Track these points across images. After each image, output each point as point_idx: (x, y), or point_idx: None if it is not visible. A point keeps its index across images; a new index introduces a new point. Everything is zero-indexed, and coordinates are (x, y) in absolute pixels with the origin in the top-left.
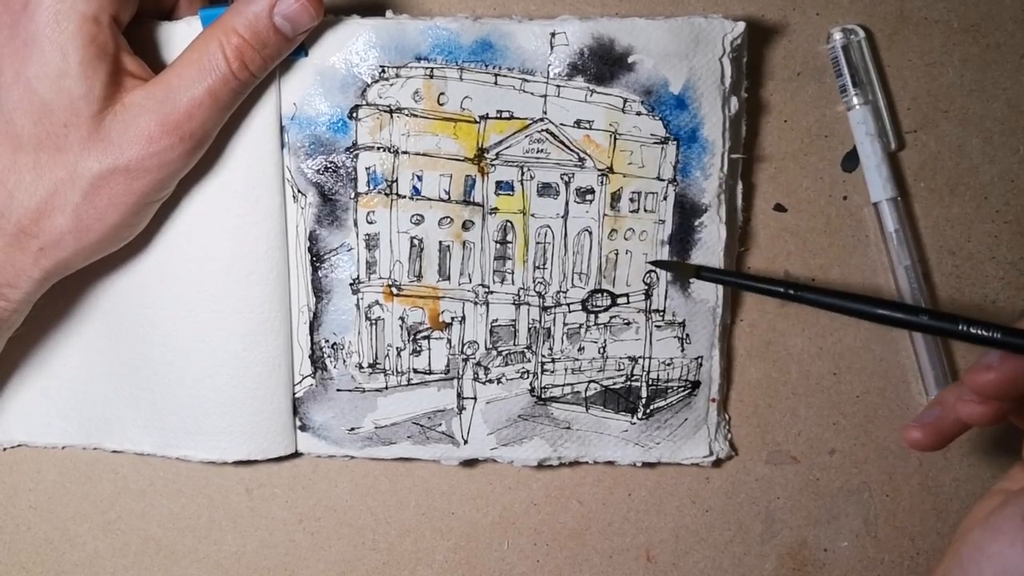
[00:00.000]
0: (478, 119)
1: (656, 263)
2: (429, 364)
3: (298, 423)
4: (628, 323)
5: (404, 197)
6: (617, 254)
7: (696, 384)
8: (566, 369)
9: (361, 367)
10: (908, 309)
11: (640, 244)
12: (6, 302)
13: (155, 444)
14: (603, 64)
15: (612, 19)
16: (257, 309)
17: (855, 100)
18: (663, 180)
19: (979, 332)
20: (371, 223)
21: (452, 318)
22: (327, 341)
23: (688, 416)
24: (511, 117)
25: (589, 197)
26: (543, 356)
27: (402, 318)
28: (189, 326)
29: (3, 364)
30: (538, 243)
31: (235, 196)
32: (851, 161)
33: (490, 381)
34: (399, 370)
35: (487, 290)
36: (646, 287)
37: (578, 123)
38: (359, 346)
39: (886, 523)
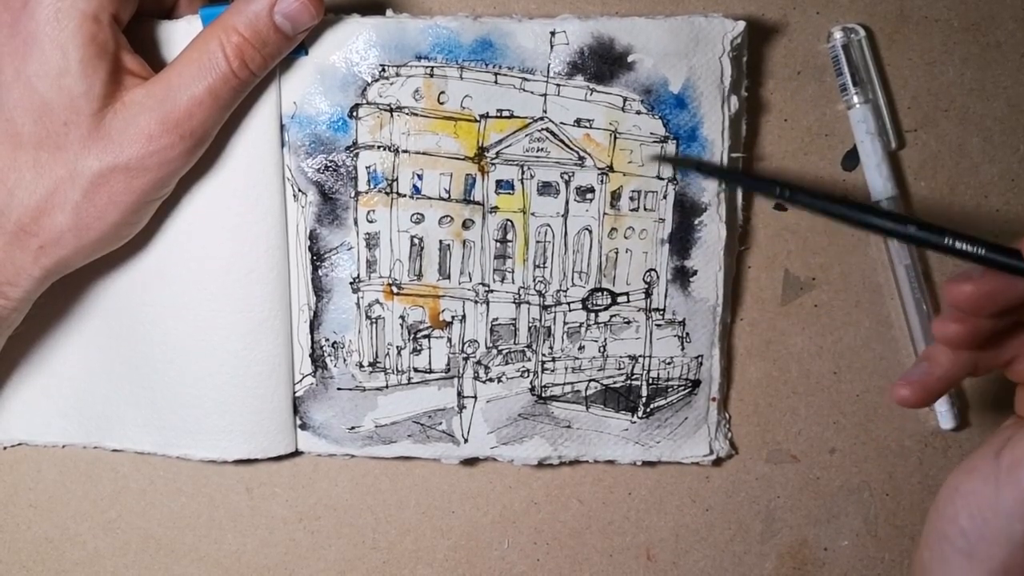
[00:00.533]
0: (478, 118)
1: (658, 158)
2: (429, 363)
3: (298, 422)
4: (628, 322)
5: (404, 196)
6: (617, 253)
7: (696, 383)
8: (566, 368)
9: (361, 366)
10: (897, 218)
11: (640, 243)
12: (6, 300)
13: (155, 443)
14: (603, 63)
15: (612, 18)
16: (257, 308)
17: (855, 99)
18: (663, 179)
19: (964, 247)
20: (371, 222)
21: (452, 317)
22: (327, 340)
23: (688, 415)
24: (511, 116)
25: (589, 196)
26: (543, 355)
27: (402, 317)
28: (189, 325)
29: (3, 363)
30: (538, 242)
31: (235, 195)
32: (851, 160)
33: (490, 380)
34: (399, 369)
35: (487, 289)
36: (646, 286)
37: (578, 122)
38: (359, 345)
39: (886, 522)
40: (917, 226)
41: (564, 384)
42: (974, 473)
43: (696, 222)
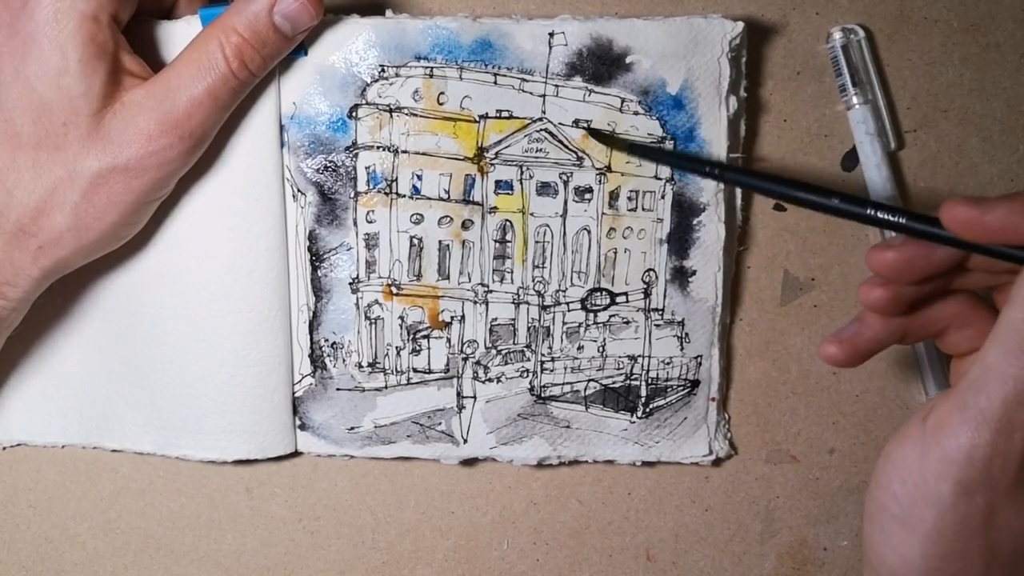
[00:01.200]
0: (478, 118)
1: (592, 132)
2: (429, 363)
3: (298, 422)
4: (627, 322)
5: (404, 196)
6: (616, 253)
7: (696, 383)
8: (565, 368)
9: (361, 366)
10: (821, 192)
11: (639, 243)
12: (5, 300)
13: (155, 443)
14: (601, 64)
15: (610, 19)
16: (257, 308)
17: (855, 99)
18: (660, 179)
19: (885, 216)
20: (371, 222)
21: (452, 317)
22: (327, 340)
23: (688, 415)
24: (510, 116)
25: (588, 196)
26: (542, 355)
27: (402, 317)
28: (189, 325)
29: (3, 363)
30: (537, 242)
31: (235, 195)
32: (851, 160)
33: (489, 380)
34: (399, 369)
35: (486, 289)
36: (645, 286)
37: (576, 122)
38: (359, 345)
39: None
40: (840, 198)
41: (563, 384)
42: (904, 440)
43: (695, 222)
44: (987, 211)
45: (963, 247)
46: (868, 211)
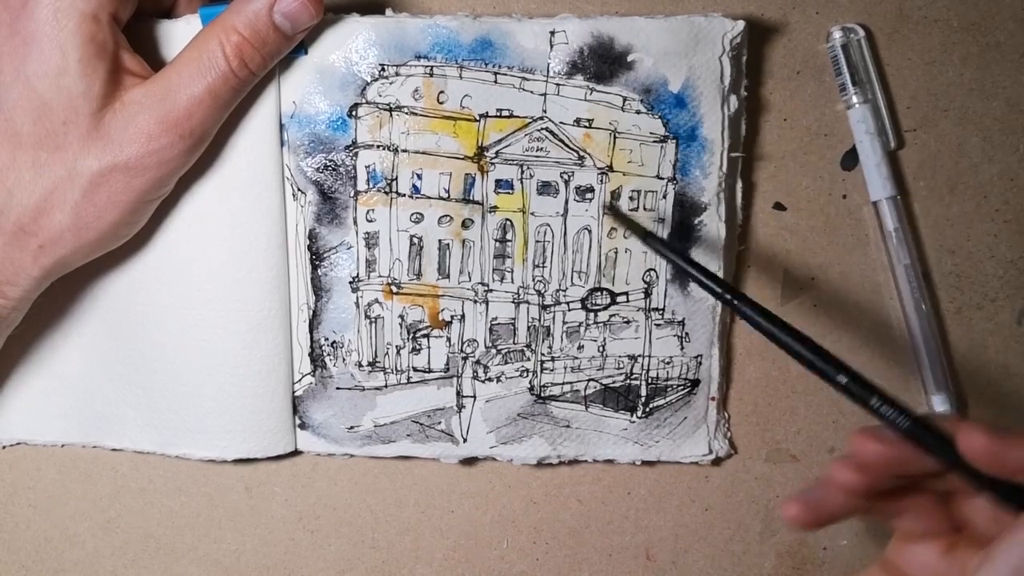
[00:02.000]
0: (478, 117)
1: (611, 211)
2: (428, 362)
3: (298, 421)
4: (627, 321)
5: (404, 195)
6: (616, 252)
7: (696, 382)
8: (565, 367)
9: (361, 365)
10: (832, 361)
11: (639, 242)
12: (5, 300)
13: (154, 442)
14: (602, 63)
15: (612, 18)
16: (256, 307)
17: (855, 99)
18: (662, 179)
19: (889, 413)
20: (371, 221)
21: (452, 316)
22: (327, 339)
23: (688, 414)
24: (511, 115)
25: (589, 195)
26: (542, 354)
27: (402, 316)
28: (188, 324)
29: (3, 363)
30: (537, 241)
31: (235, 194)
32: (851, 160)
33: (489, 379)
34: (398, 368)
35: (487, 288)
36: (645, 285)
37: (577, 121)
38: (359, 344)
39: None
40: (849, 377)
41: (563, 384)
42: None
43: (696, 221)
44: (1010, 446)
45: (962, 471)
46: (872, 401)
